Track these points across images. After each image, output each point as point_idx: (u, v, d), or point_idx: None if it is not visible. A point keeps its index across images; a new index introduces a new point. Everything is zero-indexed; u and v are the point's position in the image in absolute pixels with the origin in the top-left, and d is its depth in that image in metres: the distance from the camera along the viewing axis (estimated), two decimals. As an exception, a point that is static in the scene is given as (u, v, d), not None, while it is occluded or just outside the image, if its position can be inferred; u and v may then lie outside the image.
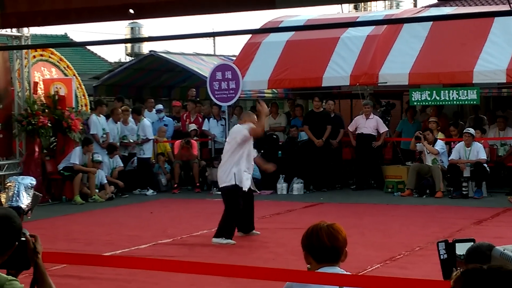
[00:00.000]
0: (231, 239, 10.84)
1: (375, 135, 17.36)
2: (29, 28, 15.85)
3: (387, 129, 17.57)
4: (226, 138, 18.33)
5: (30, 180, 4.67)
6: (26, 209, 4.45)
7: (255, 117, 11.34)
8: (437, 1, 27.09)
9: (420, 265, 8.94)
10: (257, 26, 23.29)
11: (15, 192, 4.48)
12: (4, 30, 15.07)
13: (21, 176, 4.77)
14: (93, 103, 18.61)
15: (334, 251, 3.94)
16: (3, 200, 4.57)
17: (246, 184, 11.04)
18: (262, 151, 18.04)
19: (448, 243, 4.01)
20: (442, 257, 4.00)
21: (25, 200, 4.49)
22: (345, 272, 4.01)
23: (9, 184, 4.57)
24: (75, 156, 16.28)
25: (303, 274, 4.20)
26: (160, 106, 20.07)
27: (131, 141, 17.86)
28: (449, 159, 16.11)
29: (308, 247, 3.98)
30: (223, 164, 11.10)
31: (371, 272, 8.58)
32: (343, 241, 3.97)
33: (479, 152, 15.76)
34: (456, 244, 4.01)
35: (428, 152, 16.21)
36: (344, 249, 3.98)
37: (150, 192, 17.47)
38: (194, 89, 22.27)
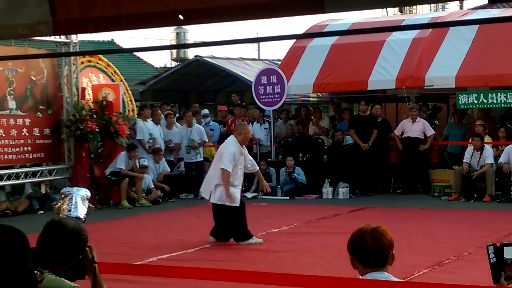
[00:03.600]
0: (255, 237, 11.12)
1: (422, 138, 17.21)
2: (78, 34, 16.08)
3: (434, 132, 17.39)
4: (270, 142, 18.44)
5: (86, 192, 4.75)
6: (83, 219, 4.54)
7: (249, 129, 11.67)
8: (484, 3, 26.75)
9: (468, 270, 8.84)
10: (302, 29, 23.26)
11: (73, 203, 4.56)
12: (53, 36, 15.30)
13: (77, 188, 4.85)
14: (138, 108, 18.79)
15: (379, 254, 3.91)
16: (58, 209, 4.65)
17: (238, 197, 11.20)
18: (307, 155, 18.04)
19: (496, 247, 3.97)
20: (491, 261, 3.96)
21: (82, 211, 4.57)
22: (394, 278, 3.98)
23: (65, 195, 4.65)
24: (121, 161, 16.43)
25: (351, 281, 4.19)
26: (206, 111, 20.15)
27: (197, 144, 17.77)
28: (499, 162, 15.88)
29: (353, 251, 3.97)
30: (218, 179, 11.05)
31: (418, 277, 8.51)
32: (388, 244, 3.93)
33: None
34: (504, 247, 3.97)
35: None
36: (390, 251, 3.94)
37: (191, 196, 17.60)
38: (237, 94, 22.30)
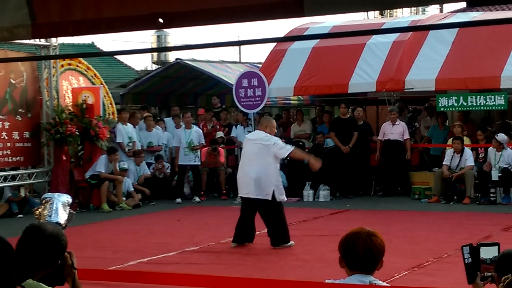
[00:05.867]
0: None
1: (402, 141, 17.27)
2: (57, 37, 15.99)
3: (408, 137, 17.38)
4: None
5: (67, 198, 4.72)
6: (64, 225, 4.51)
7: (275, 123, 11.57)
8: (463, 7, 26.90)
9: (448, 272, 8.88)
10: (283, 32, 23.30)
11: (54, 208, 4.54)
12: (33, 39, 15.22)
13: (58, 193, 4.82)
14: (117, 111, 18.73)
15: (368, 262, 3.91)
16: (38, 215, 4.62)
17: None
18: (288, 158, 18.04)
19: (472, 247, 4.01)
20: (466, 261, 4.00)
21: (63, 216, 4.55)
22: (379, 282, 3.98)
23: (46, 200, 4.62)
24: (101, 165, 16.38)
25: (332, 286, 4.19)
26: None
27: (197, 146, 17.59)
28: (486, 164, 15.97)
29: (343, 254, 3.98)
30: (273, 173, 10.96)
31: (398, 279, 8.53)
32: (379, 253, 3.93)
33: (510, 158, 15.65)
34: (481, 248, 4.00)
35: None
36: (380, 260, 3.95)
37: (197, 199, 17.39)
38: (216, 97, 22.27)
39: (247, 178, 10.99)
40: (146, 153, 18.08)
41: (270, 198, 10.82)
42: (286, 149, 11.04)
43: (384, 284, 4.05)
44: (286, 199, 11.24)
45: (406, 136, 17.27)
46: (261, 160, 10.89)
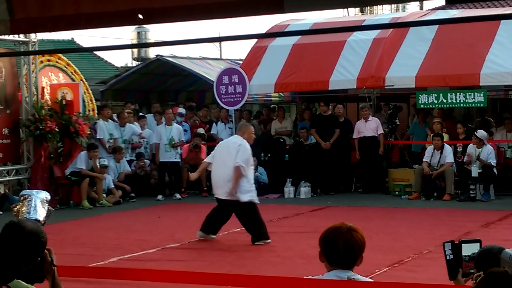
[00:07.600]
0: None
1: (377, 136, 17.34)
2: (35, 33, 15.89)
3: (382, 132, 17.45)
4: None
5: (45, 194, 4.71)
6: (42, 222, 4.49)
7: (253, 129, 11.65)
8: (443, 4, 27.04)
9: (428, 268, 8.93)
10: (263, 29, 23.30)
11: (33, 205, 4.52)
12: (12, 35, 15.11)
13: (36, 190, 4.80)
14: (98, 107, 18.63)
15: (348, 257, 3.93)
16: (17, 212, 4.59)
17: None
18: (269, 155, 18.08)
19: (454, 244, 4.03)
20: (448, 258, 4.01)
21: (42, 213, 4.53)
22: (359, 277, 3.99)
23: (24, 197, 4.60)
24: (81, 161, 16.29)
25: (310, 282, 4.19)
26: (182, 111, 19.81)
27: (177, 143, 17.56)
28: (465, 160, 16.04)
29: (323, 248, 3.98)
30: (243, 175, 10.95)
31: (379, 275, 8.56)
32: (359, 248, 3.94)
33: (489, 154, 15.74)
34: (462, 245, 4.02)
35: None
36: (359, 255, 3.96)
37: (178, 196, 17.36)
38: (191, 99, 22.41)
39: (218, 180, 11.19)
40: (127, 149, 18.00)
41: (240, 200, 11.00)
42: (237, 163, 10.96)
43: (364, 278, 4.06)
44: (247, 199, 11.05)
45: (380, 131, 17.35)
46: (229, 163, 10.98)
